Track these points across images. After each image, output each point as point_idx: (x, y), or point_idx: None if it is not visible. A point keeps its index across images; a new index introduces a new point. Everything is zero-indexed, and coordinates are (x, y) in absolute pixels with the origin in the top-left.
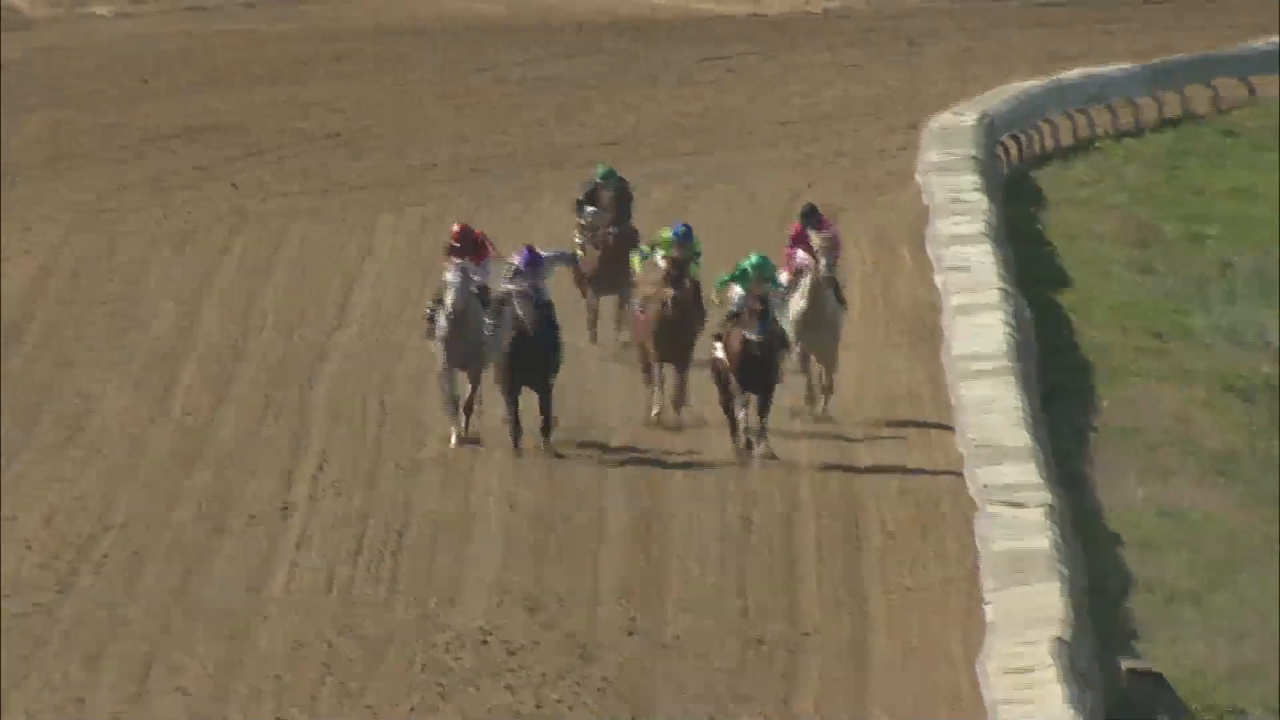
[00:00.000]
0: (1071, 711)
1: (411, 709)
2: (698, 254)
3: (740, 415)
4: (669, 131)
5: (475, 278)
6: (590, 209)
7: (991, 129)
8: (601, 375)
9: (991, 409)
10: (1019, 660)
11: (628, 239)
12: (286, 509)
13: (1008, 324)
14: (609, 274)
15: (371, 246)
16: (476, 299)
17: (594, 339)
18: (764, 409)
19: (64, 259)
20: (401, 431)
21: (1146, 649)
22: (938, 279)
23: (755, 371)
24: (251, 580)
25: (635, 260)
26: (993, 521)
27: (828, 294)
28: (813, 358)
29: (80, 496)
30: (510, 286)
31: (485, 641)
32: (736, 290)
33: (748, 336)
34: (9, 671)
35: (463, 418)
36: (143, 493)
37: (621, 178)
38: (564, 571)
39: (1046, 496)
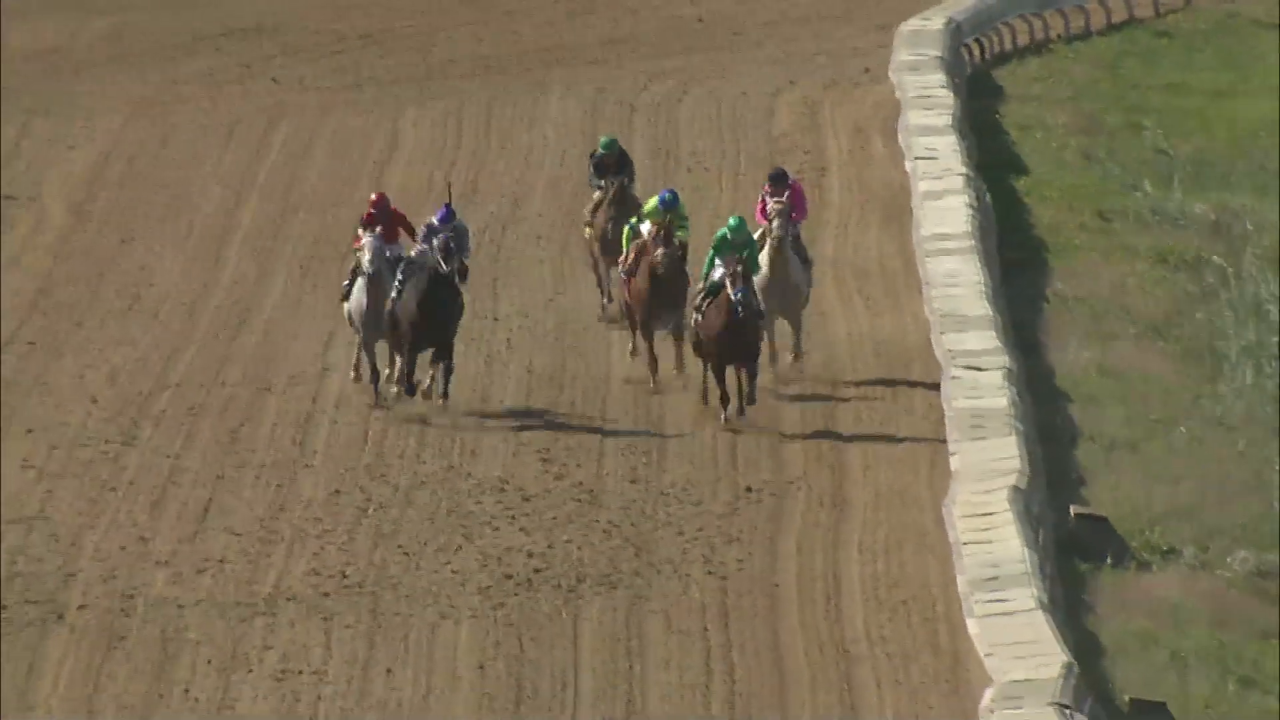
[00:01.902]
0: (1026, 550)
1: (438, 548)
2: (685, 219)
3: (718, 387)
4: (666, 32)
5: (387, 250)
6: (597, 180)
7: (956, 32)
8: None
9: (956, 282)
10: (979, 505)
11: (630, 206)
12: (326, 370)
13: (970, 206)
14: (615, 240)
15: (398, 135)
16: (390, 268)
17: (607, 303)
18: (751, 377)
19: (124, 146)
20: None
21: (1091, 494)
22: (908, 166)
23: (737, 338)
24: (295, 434)
25: (624, 233)
26: (956, 382)
27: (790, 255)
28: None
29: (141, 358)
30: (422, 245)
31: (503, 489)
32: (718, 269)
33: (731, 297)
34: (81, 513)
35: (380, 380)
36: (197, 355)
37: (623, 150)
38: (574, 427)
39: (1004, 360)
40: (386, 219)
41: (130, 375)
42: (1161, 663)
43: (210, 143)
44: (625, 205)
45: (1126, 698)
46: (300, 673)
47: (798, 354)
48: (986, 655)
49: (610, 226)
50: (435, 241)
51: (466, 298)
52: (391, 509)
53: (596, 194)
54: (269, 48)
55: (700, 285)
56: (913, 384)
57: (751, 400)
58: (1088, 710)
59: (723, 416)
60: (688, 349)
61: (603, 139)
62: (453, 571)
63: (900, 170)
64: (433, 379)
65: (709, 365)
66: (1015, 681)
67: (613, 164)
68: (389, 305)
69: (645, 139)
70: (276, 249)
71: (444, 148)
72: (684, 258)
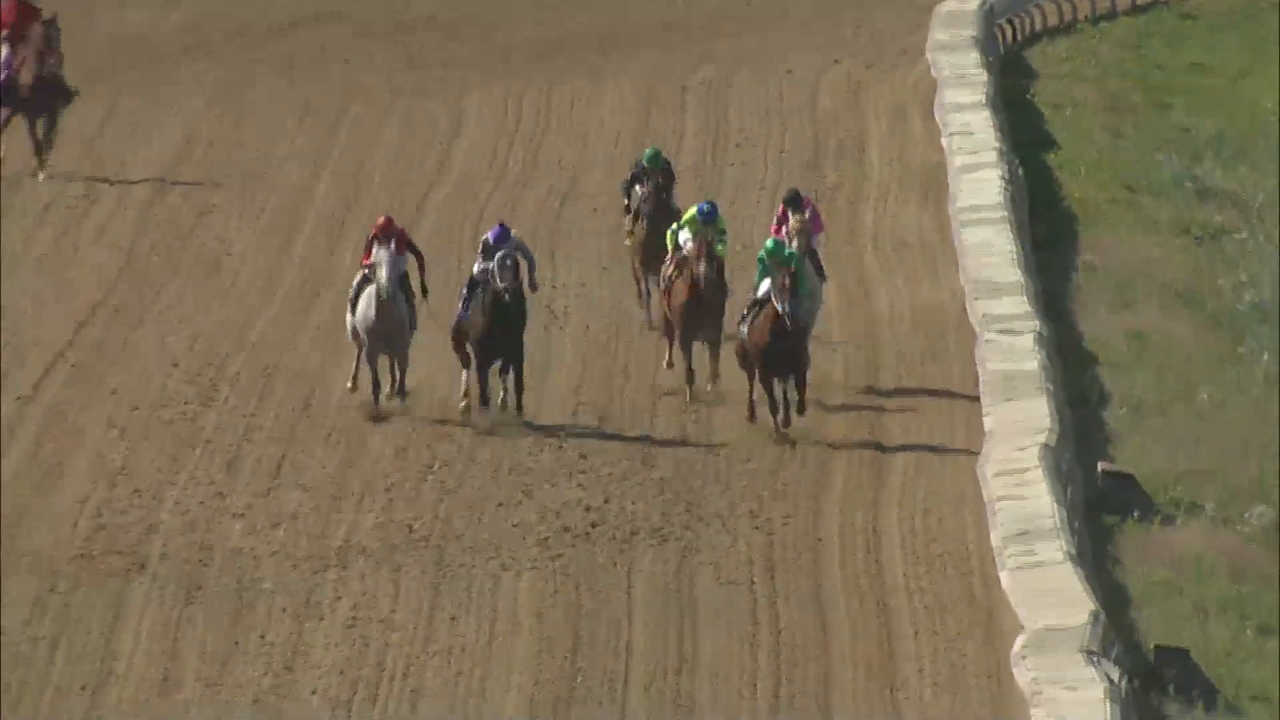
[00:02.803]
0: (1056, 506)
1: (500, 503)
2: (723, 232)
3: (764, 400)
4: (717, 15)
5: (398, 268)
6: (637, 189)
7: (990, 13)
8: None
9: (990, 251)
10: (1013, 463)
11: (670, 219)
12: None
13: (1003, 180)
14: (654, 252)
15: (462, 116)
16: (399, 284)
17: (649, 317)
18: (800, 389)
19: (204, 126)
20: None
21: (1118, 452)
22: (944, 141)
23: (783, 350)
24: (364, 395)
25: (668, 238)
26: (991, 346)
27: (807, 267)
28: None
29: (219, 324)
30: (486, 264)
31: (561, 446)
32: (765, 283)
33: (779, 310)
34: (162, 470)
35: (380, 392)
36: (272, 321)
37: (666, 160)
38: (628, 387)
39: (1035, 325)
40: (393, 240)
41: (209, 340)
42: (1184, 612)
43: (285, 123)
44: (664, 214)
45: (1151, 645)
46: (370, 621)
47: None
48: (1018, 605)
49: (649, 237)
50: (494, 261)
51: (529, 306)
52: (455, 466)
53: (636, 200)
54: (341, 34)
55: (751, 296)
56: (949, 348)
57: (801, 410)
58: (1114, 657)
59: (774, 424)
60: (725, 362)
61: (647, 150)
62: (513, 525)
63: (937, 146)
64: (505, 391)
65: (755, 378)
66: (1045, 630)
67: (653, 180)
68: (455, 320)
69: (696, 118)
70: (348, 221)
71: (505, 127)
72: (722, 272)
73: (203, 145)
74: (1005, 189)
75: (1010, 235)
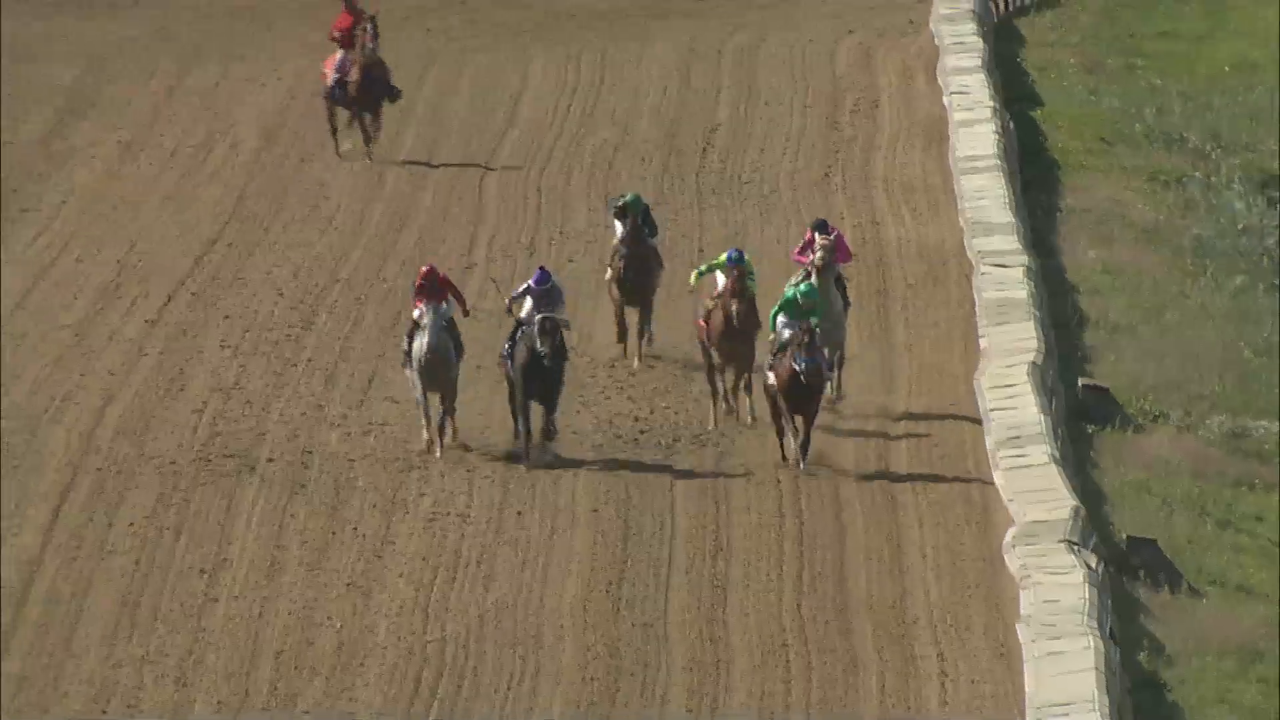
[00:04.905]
0: (1042, 416)
1: (560, 413)
2: (751, 273)
3: (787, 434)
4: None
5: (443, 316)
6: (618, 228)
7: None
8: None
9: (985, 195)
10: (1004, 379)
11: (646, 257)
12: (469, 267)
13: (997, 133)
14: (630, 288)
15: (527, 75)
16: (446, 331)
17: (624, 352)
18: (808, 428)
19: (305, 84)
20: (554, 210)
21: (1096, 369)
22: (945, 100)
23: (801, 397)
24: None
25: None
26: (985, 277)
27: (834, 291)
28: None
29: (317, 256)
30: (527, 310)
31: (614, 365)
32: (786, 329)
33: (795, 368)
34: (269, 384)
35: (437, 435)
36: (363, 254)
37: (645, 204)
38: (671, 316)
39: (1024, 259)
40: (435, 286)
41: (309, 271)
42: (1153, 507)
43: None
44: (642, 253)
45: (1124, 535)
46: (448, 515)
47: (838, 395)
48: (1009, 501)
49: (625, 271)
50: (536, 320)
51: (570, 341)
52: None
53: (616, 239)
54: (425, 2)
55: (771, 336)
56: (949, 278)
57: (806, 444)
58: (1092, 546)
59: (791, 456)
60: (757, 400)
61: (628, 196)
62: (572, 432)
63: (939, 103)
64: (542, 428)
65: (774, 412)
66: (1032, 523)
67: (629, 221)
68: (502, 360)
69: (732, 78)
70: (428, 168)
71: (565, 85)
72: (753, 307)
73: (304, 100)
74: (998, 141)
75: (1003, 181)
